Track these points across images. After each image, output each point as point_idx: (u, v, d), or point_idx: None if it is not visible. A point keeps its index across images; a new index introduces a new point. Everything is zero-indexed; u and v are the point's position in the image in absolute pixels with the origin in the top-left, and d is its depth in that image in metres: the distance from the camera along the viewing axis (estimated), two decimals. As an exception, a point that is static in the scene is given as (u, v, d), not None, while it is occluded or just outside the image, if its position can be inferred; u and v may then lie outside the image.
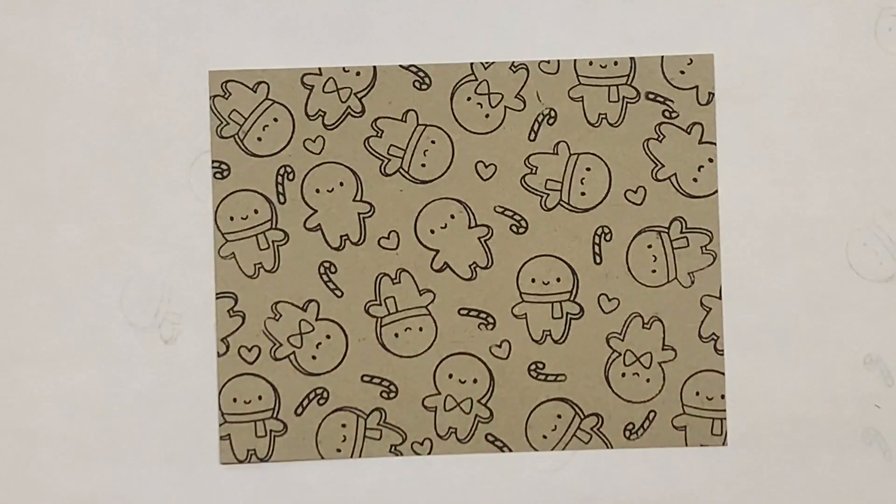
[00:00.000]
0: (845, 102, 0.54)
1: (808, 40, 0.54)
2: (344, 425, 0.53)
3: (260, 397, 0.53)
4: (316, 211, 0.54)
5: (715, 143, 0.54)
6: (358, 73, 0.54)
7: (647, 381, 0.54)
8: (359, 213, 0.54)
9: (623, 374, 0.54)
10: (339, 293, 0.53)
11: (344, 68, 0.54)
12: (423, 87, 0.54)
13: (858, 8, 0.54)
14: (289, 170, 0.54)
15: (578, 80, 0.54)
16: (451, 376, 0.54)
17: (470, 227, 0.54)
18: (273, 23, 0.54)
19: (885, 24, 0.54)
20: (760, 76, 0.54)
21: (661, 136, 0.54)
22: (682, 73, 0.54)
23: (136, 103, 0.54)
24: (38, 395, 0.53)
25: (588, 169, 0.54)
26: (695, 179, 0.54)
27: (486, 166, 0.54)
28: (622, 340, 0.54)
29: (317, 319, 0.53)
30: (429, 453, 0.53)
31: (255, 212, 0.54)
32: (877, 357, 0.53)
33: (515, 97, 0.54)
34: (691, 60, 0.54)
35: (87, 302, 0.53)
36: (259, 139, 0.54)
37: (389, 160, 0.54)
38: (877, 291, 0.54)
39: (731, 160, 0.54)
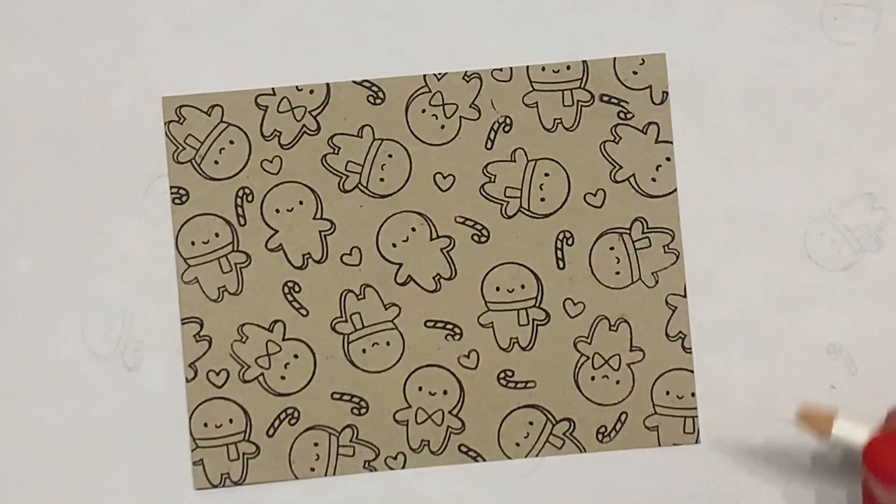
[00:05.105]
0: (795, 93, 0.54)
1: (756, 33, 0.54)
2: (316, 444, 0.53)
3: (231, 420, 0.53)
4: (277, 231, 0.54)
5: (671, 142, 0.54)
6: (311, 92, 0.54)
7: (617, 382, 0.53)
8: (320, 231, 0.54)
9: (592, 378, 0.53)
10: (304, 312, 0.53)
11: (297, 87, 0.54)
12: (378, 101, 0.54)
13: (804, -1, 0.54)
14: (247, 191, 0.54)
15: (532, 87, 0.54)
16: (420, 389, 0.53)
17: (432, 239, 0.54)
18: (223, 45, 0.54)
19: (830, 14, 0.54)
20: (711, 72, 0.54)
21: (618, 138, 0.54)
22: (635, 73, 0.54)
23: (88, 132, 0.54)
24: (2, 429, 0.53)
25: (546, 174, 0.54)
26: (653, 179, 0.54)
27: (445, 177, 0.54)
28: (590, 344, 0.54)
29: (283, 339, 0.53)
30: (402, 467, 0.53)
31: (216, 235, 0.54)
32: (840, 346, 0.53)
33: (470, 107, 0.54)
34: (643, 61, 0.54)
35: (49, 334, 0.53)
36: (216, 162, 0.54)
37: (348, 176, 0.54)
38: (836, 280, 0.54)
39: (687, 158, 0.54)
